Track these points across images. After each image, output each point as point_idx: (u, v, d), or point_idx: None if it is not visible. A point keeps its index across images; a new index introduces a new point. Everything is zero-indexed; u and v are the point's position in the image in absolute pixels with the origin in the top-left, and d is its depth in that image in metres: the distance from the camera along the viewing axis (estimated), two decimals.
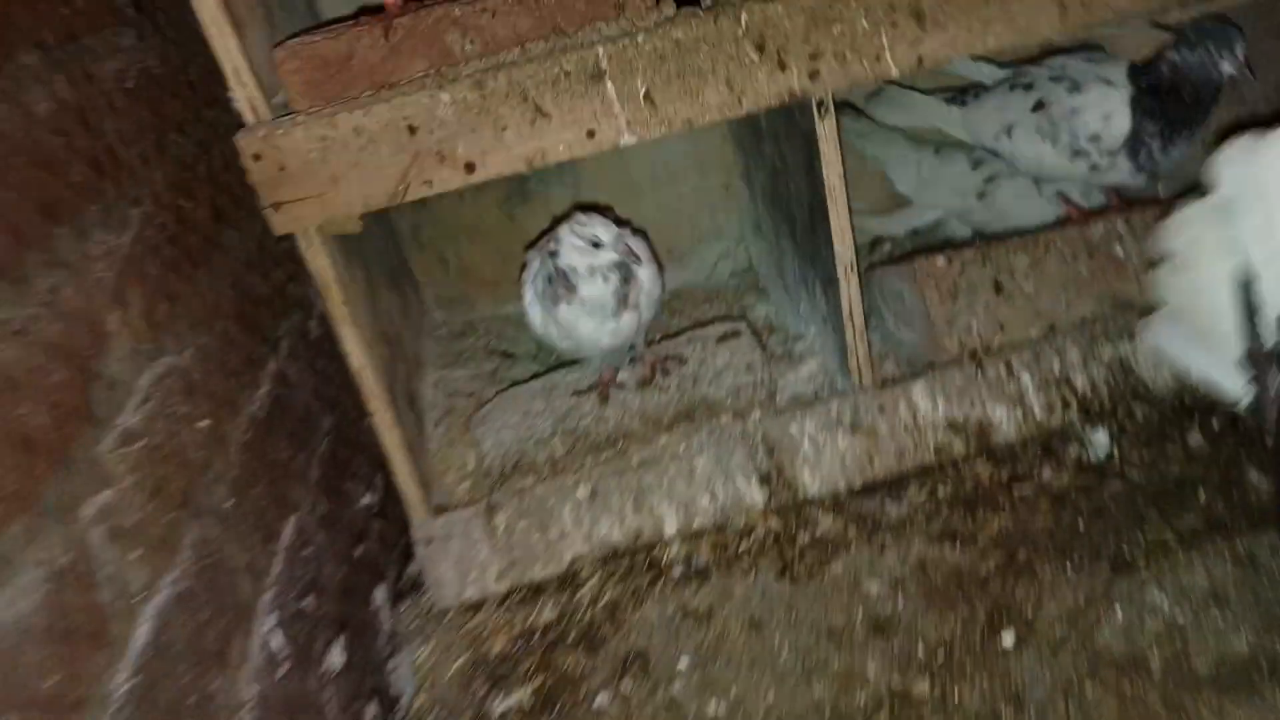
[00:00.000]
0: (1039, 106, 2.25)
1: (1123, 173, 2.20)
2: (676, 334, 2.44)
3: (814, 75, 1.80)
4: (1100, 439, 2.06)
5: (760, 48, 1.76)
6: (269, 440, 1.67)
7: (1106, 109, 2.14)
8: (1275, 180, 1.39)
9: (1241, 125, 1.53)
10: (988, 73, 2.44)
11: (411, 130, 1.73)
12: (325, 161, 1.73)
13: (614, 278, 2.03)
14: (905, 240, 2.93)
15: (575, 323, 2.07)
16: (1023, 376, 2.11)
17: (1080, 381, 2.12)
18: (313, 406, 2.01)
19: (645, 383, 2.23)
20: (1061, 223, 2.31)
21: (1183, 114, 2.08)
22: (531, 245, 2.29)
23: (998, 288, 2.16)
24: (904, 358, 2.29)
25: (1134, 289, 2.16)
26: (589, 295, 2.04)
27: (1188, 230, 1.56)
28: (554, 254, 2.03)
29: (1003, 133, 2.32)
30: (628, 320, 2.09)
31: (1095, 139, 2.17)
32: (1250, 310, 1.45)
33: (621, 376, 2.28)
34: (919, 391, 2.10)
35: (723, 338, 2.35)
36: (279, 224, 1.77)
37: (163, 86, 1.63)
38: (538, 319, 2.16)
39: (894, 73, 1.81)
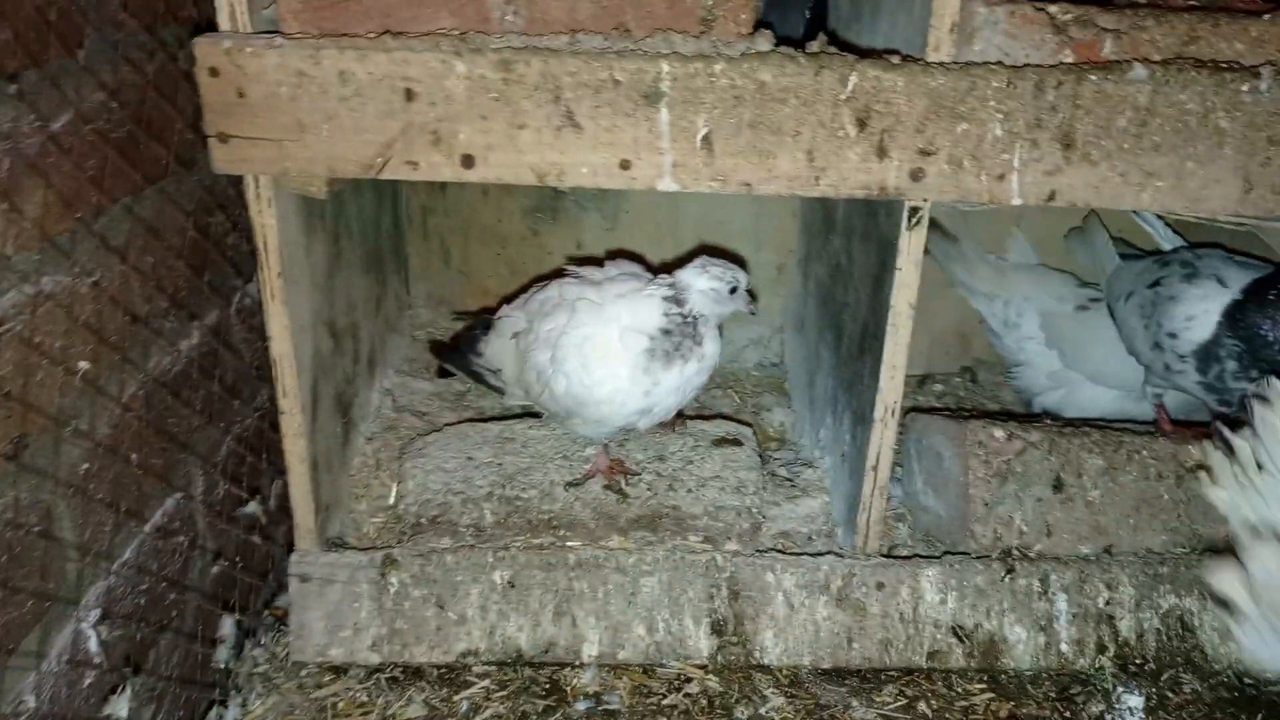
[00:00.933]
0: (1155, 284, 1.91)
1: (1190, 384, 1.87)
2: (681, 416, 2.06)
3: (917, 175, 1.43)
4: (1133, 703, 1.65)
5: (862, 123, 1.40)
6: (174, 403, 1.50)
7: (1196, 310, 1.83)
8: None
9: None
10: (1165, 237, 2.16)
11: (409, 95, 1.38)
12: (295, 102, 1.38)
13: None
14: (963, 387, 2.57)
15: (670, 389, 1.72)
16: (1058, 598, 1.72)
17: (1126, 626, 1.72)
18: (249, 377, 1.75)
19: (575, 482, 1.85)
20: (1152, 431, 1.91)
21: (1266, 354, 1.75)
22: (511, 299, 1.95)
23: (1057, 485, 1.77)
24: (921, 530, 1.91)
25: (1219, 533, 1.76)
26: (711, 352, 1.73)
27: None
28: (678, 300, 1.71)
29: (1123, 296, 2.03)
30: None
31: (1173, 336, 1.86)
32: None
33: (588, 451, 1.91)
34: (930, 578, 1.71)
35: (720, 441, 1.97)
36: (220, 159, 1.42)
37: None
38: (615, 388, 1.70)
39: (1015, 199, 1.44)
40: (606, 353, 1.69)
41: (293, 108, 1.38)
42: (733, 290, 1.73)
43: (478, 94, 1.37)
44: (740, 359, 2.68)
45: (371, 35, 1.41)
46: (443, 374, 2.17)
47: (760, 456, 1.99)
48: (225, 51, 1.36)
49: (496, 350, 1.87)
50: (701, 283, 1.71)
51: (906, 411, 2.03)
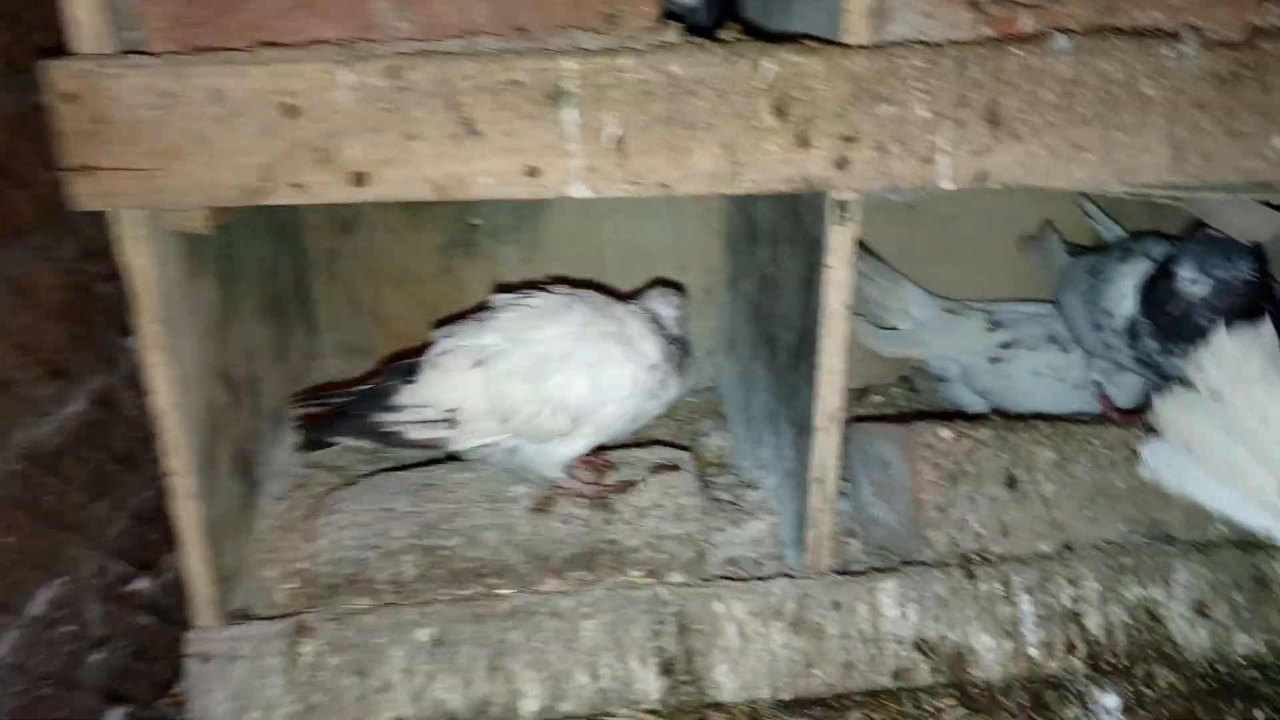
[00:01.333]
0: (1094, 269, 1.88)
1: (1128, 360, 1.84)
2: (603, 448, 1.94)
3: (842, 163, 1.36)
4: (1110, 703, 1.57)
5: (781, 112, 1.32)
6: (54, 476, 1.39)
7: (1125, 286, 1.80)
8: None
9: None
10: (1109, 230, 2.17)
11: (291, 112, 1.26)
12: (164, 126, 1.25)
13: None
14: (906, 385, 2.52)
15: (656, 405, 1.81)
16: (1022, 601, 1.64)
17: (1094, 623, 1.64)
18: (143, 444, 1.57)
19: (542, 507, 1.73)
20: (1100, 419, 1.87)
21: (1174, 326, 1.70)
22: (421, 350, 1.80)
23: (1011, 482, 1.70)
24: (874, 543, 1.82)
25: (1179, 519, 1.71)
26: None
27: (1229, 361, 1.39)
28: (659, 324, 1.83)
29: (1069, 287, 1.99)
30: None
31: (1108, 314, 1.82)
32: None
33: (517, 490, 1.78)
34: (888, 592, 1.62)
35: (658, 468, 1.86)
36: (82, 194, 1.28)
37: None
38: (634, 378, 1.73)
39: (948, 183, 1.38)
40: (638, 338, 1.75)
41: (161, 132, 1.25)
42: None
43: (366, 105, 1.26)
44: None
45: (247, 49, 1.29)
46: (314, 447, 1.77)
47: (701, 481, 1.88)
48: (82, 74, 1.22)
49: (441, 391, 1.69)
50: (664, 309, 1.85)
51: (850, 421, 1.95)
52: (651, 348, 1.74)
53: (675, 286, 2.00)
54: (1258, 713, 1.55)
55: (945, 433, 1.71)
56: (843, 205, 1.42)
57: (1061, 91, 1.34)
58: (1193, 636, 1.64)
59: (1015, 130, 1.35)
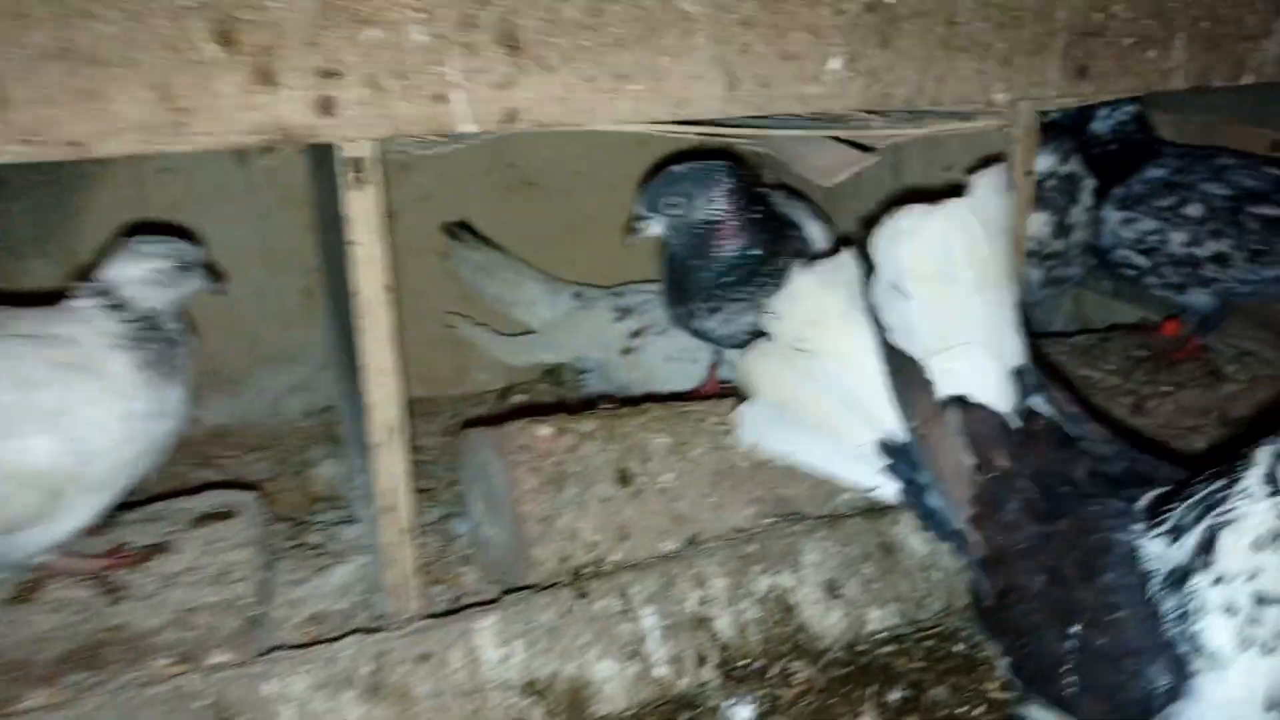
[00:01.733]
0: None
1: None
2: (142, 502, 1.53)
3: (327, 106, 1.06)
4: (743, 715, 1.39)
5: (227, 38, 1.00)
6: None
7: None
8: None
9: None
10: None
11: None
12: None
13: None
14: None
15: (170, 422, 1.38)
16: (644, 614, 1.42)
17: (724, 625, 1.46)
18: None
19: (24, 596, 1.31)
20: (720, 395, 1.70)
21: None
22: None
23: (624, 477, 1.49)
24: (491, 570, 1.55)
25: (804, 493, 1.57)
26: None
27: (805, 303, 1.25)
28: (125, 305, 1.34)
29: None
30: None
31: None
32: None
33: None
34: (487, 631, 1.34)
35: (202, 520, 1.48)
36: None
37: None
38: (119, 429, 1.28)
39: (469, 125, 1.11)
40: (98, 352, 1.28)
41: None
42: (183, 267, 1.39)
43: None
44: (281, 411, 2.20)
45: None
46: None
47: (264, 522, 1.53)
48: None
49: None
50: (135, 270, 1.34)
51: (463, 427, 1.69)
52: (120, 361, 1.30)
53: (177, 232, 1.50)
54: (894, 694, 1.42)
55: (544, 430, 1.46)
56: (356, 163, 1.13)
57: (588, 8, 1.11)
58: (826, 621, 1.50)
59: (542, 57, 1.11)
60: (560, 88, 1.13)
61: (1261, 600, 0.91)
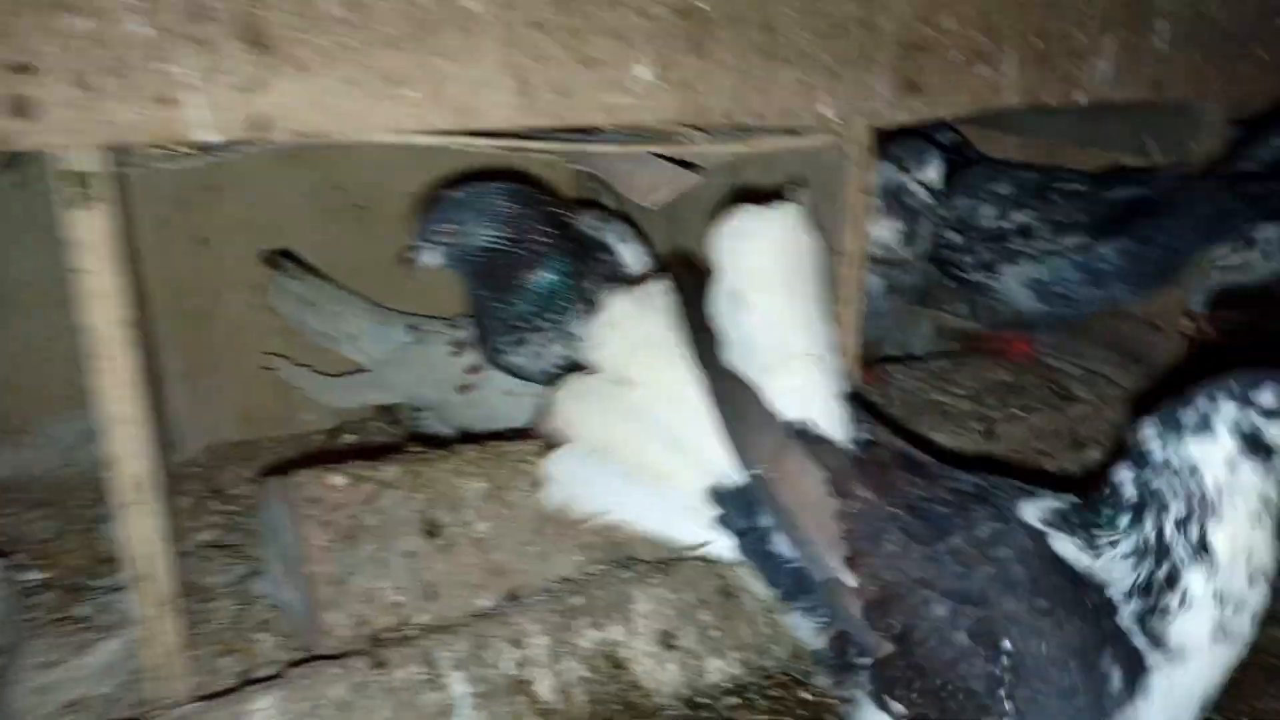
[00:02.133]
0: None
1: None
2: None
3: (23, 108, 0.89)
4: None
5: None
6: None
7: None
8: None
9: None
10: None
11: None
12: None
13: None
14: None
15: None
16: (453, 681, 1.27)
17: (547, 687, 1.32)
18: None
19: None
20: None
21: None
22: None
23: (431, 529, 1.34)
24: (290, 636, 1.38)
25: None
26: None
27: (623, 329, 1.10)
28: None
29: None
30: None
31: None
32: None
33: None
34: (263, 713, 1.17)
35: None
36: None
37: None
38: None
39: (209, 133, 0.96)
40: None
41: None
42: None
43: None
44: (73, 461, 1.97)
45: None
46: None
47: (19, 598, 1.33)
48: None
49: None
50: None
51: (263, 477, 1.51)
52: None
53: None
54: None
55: (338, 479, 1.30)
56: (81, 178, 0.96)
57: (349, 3, 0.98)
58: (661, 675, 1.38)
59: (296, 57, 0.97)
60: (320, 92, 0.99)
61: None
